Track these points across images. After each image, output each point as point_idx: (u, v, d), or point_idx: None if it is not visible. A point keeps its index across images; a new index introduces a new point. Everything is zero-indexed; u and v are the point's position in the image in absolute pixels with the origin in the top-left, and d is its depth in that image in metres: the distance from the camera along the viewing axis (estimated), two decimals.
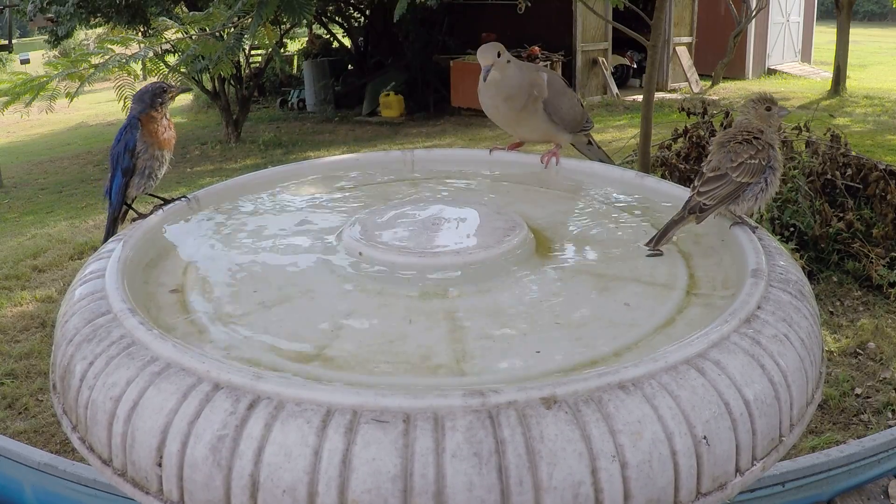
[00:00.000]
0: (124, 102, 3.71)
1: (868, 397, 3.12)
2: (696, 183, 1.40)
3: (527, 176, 1.81)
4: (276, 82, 13.83)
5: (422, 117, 11.26)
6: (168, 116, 1.54)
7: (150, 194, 1.55)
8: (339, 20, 13.29)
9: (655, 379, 0.92)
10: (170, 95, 1.54)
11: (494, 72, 1.72)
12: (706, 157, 1.45)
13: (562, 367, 1.03)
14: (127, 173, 1.49)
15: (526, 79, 1.77)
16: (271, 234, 1.52)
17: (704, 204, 1.36)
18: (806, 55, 15.09)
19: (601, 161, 1.95)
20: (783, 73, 13.77)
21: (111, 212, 1.52)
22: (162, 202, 1.53)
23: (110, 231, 1.52)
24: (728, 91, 11.94)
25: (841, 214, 4.18)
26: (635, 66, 12.35)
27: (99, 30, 11.38)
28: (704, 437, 0.90)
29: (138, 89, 1.58)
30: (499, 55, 1.71)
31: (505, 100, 1.76)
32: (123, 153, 1.49)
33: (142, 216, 1.49)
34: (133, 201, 1.53)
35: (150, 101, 1.51)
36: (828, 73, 12.45)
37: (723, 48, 12.22)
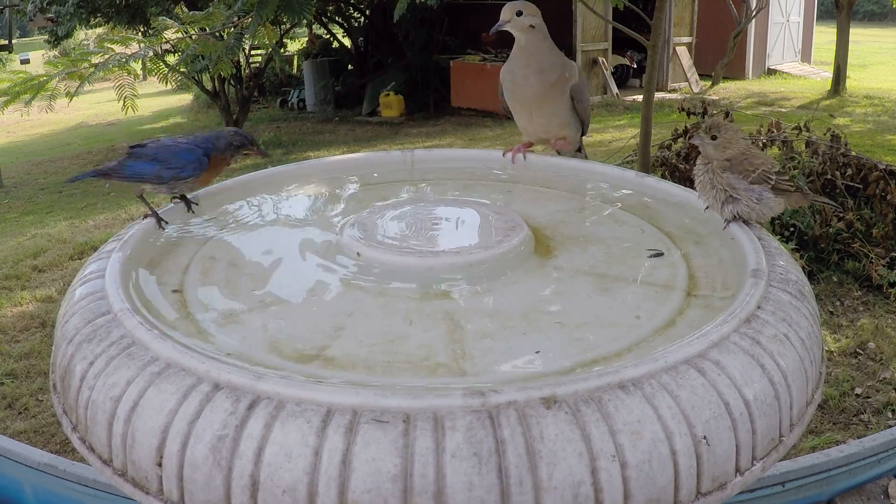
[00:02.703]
0: (124, 102, 3.70)
1: (868, 397, 3.12)
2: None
3: (527, 176, 1.81)
4: (276, 82, 13.83)
5: (422, 117, 11.26)
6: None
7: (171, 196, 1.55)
8: (339, 20, 13.29)
9: (655, 379, 0.92)
10: (244, 153, 1.54)
11: (516, 31, 1.63)
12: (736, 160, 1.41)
13: (562, 368, 1.03)
14: (162, 181, 1.48)
15: (558, 57, 1.72)
16: (271, 234, 1.52)
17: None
18: (806, 55, 15.09)
19: None
20: (783, 73, 13.77)
21: (111, 167, 1.51)
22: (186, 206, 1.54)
23: (85, 174, 1.56)
24: (728, 91, 11.94)
25: (841, 214, 4.18)
26: (635, 66, 12.35)
27: (99, 30, 11.38)
28: (704, 437, 0.90)
29: (222, 130, 1.57)
30: (519, 14, 1.62)
31: (538, 72, 1.68)
32: (172, 169, 1.48)
33: (154, 216, 1.50)
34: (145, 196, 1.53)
35: (225, 148, 1.51)
36: (828, 73, 12.45)
37: (723, 48, 12.22)
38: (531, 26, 1.66)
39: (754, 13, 12.21)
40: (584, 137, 1.95)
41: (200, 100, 13.49)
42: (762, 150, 4.40)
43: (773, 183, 1.38)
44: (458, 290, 1.24)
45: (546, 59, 1.70)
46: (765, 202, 1.37)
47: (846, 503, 2.26)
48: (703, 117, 4.82)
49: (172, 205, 1.52)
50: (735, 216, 1.38)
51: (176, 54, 4.89)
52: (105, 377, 1.00)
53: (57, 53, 14.31)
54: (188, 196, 1.55)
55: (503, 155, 1.82)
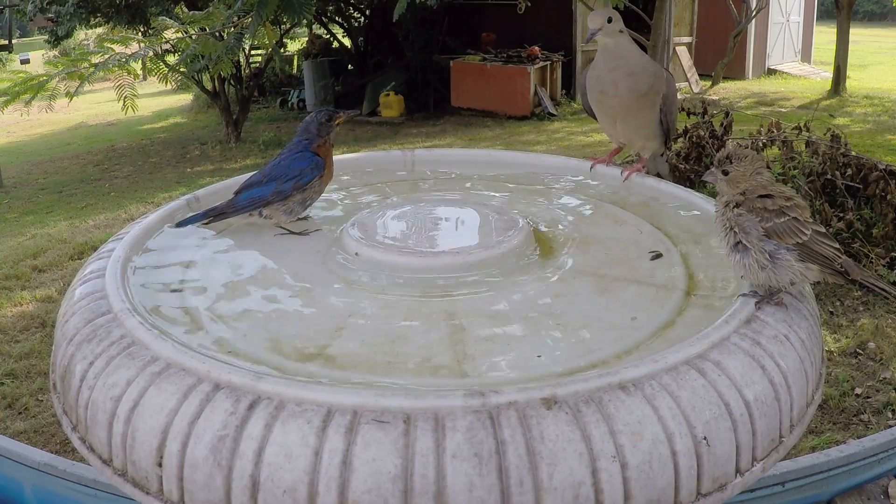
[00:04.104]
0: (124, 102, 3.70)
1: (868, 397, 3.12)
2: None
3: (527, 176, 1.81)
4: (276, 82, 13.82)
5: (422, 117, 11.25)
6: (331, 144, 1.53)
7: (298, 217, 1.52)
8: (339, 20, 13.28)
9: (656, 380, 0.92)
10: (336, 123, 1.51)
11: (605, 38, 1.54)
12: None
13: (562, 368, 1.03)
14: (278, 197, 1.46)
15: (649, 63, 1.63)
16: (271, 234, 1.52)
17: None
18: (806, 55, 15.08)
19: (660, 176, 1.76)
20: (783, 73, 13.76)
21: (223, 207, 1.48)
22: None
23: (193, 218, 1.48)
24: (728, 91, 11.94)
25: (841, 214, 4.18)
26: None
27: (99, 30, 11.37)
28: (705, 438, 0.90)
29: (306, 119, 1.53)
30: (610, 21, 1.55)
31: (627, 75, 1.59)
32: (291, 180, 1.46)
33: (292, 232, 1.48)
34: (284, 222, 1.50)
35: (318, 131, 1.49)
36: (828, 73, 12.45)
37: (723, 48, 12.21)
38: (620, 31, 1.58)
39: (754, 13, 12.20)
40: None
41: (200, 100, 13.48)
42: (761, 149, 4.40)
43: (804, 239, 1.06)
44: (459, 291, 1.24)
45: (637, 63, 1.61)
46: (780, 264, 1.07)
47: (846, 503, 2.26)
48: (703, 116, 4.82)
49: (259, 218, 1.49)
50: (742, 275, 1.11)
51: (176, 54, 4.89)
52: (105, 377, 1.00)
53: (57, 53, 14.29)
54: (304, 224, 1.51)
55: (591, 169, 1.72)
